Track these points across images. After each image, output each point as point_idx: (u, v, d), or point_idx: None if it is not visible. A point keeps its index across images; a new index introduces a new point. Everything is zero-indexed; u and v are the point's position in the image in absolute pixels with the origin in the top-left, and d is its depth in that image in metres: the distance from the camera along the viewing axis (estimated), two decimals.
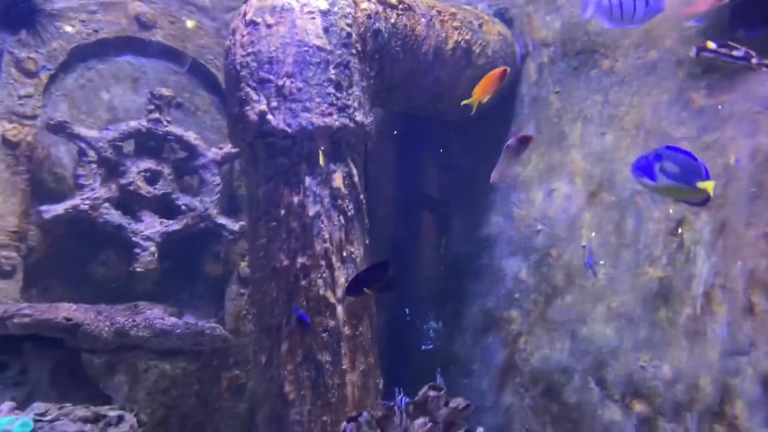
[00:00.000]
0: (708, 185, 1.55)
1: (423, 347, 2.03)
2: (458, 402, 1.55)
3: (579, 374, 1.94)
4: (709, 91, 1.94)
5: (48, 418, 1.27)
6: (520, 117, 2.13)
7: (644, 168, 1.41)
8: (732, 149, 1.91)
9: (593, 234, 2.17)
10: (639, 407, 1.86)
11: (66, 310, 1.56)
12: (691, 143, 2.00)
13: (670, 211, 1.98)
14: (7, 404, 1.34)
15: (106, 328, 1.55)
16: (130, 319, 1.61)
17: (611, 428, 1.88)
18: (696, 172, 1.42)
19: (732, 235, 1.86)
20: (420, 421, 1.48)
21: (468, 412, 1.59)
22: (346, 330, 1.66)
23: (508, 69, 1.95)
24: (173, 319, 1.68)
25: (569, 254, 2.07)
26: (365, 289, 1.63)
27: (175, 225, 1.99)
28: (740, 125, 1.93)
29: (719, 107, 1.97)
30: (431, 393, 1.54)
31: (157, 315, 1.66)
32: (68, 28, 2.07)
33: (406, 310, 2.27)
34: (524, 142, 1.79)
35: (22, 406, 1.38)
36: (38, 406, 1.31)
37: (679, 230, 2.03)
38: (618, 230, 1.99)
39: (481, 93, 1.83)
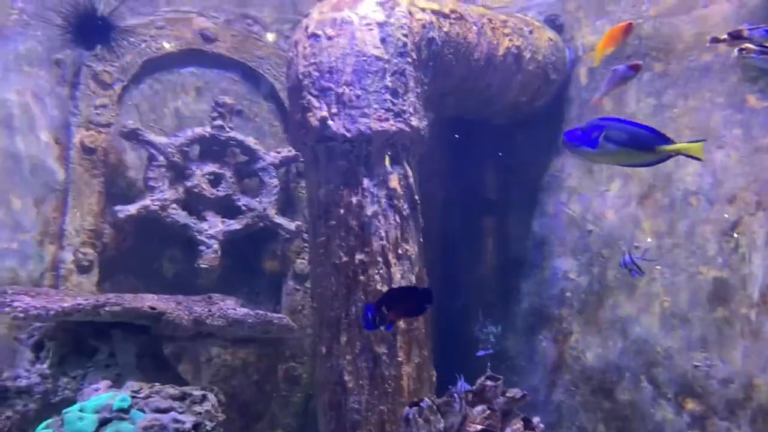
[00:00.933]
0: (694, 147, 1.55)
1: (482, 353, 2.05)
2: (515, 392, 1.58)
3: (631, 373, 1.96)
4: (764, 93, 1.94)
5: (142, 395, 1.37)
6: (572, 120, 2.15)
7: (579, 138, 1.46)
8: None
9: (647, 236, 2.12)
10: (692, 405, 1.88)
11: (150, 300, 1.65)
12: (745, 144, 1.98)
13: (725, 215, 1.95)
14: (104, 382, 1.45)
15: (186, 317, 1.63)
16: (206, 309, 1.69)
17: (663, 426, 1.89)
18: (647, 137, 1.47)
19: None
20: (479, 408, 1.51)
21: (524, 402, 1.60)
22: (402, 324, 1.72)
23: (633, 23, 1.89)
24: (245, 310, 1.74)
25: (623, 252, 2.02)
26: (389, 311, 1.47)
27: (236, 224, 2.05)
28: None
29: None
30: (489, 382, 1.57)
31: (230, 306, 1.75)
32: (141, 44, 2.13)
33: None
34: (635, 68, 1.75)
35: (114, 385, 1.46)
36: (132, 384, 1.41)
37: (735, 233, 1.99)
38: (671, 231, 2.01)
39: (605, 46, 1.84)
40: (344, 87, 1.70)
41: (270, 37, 2.23)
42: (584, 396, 2.01)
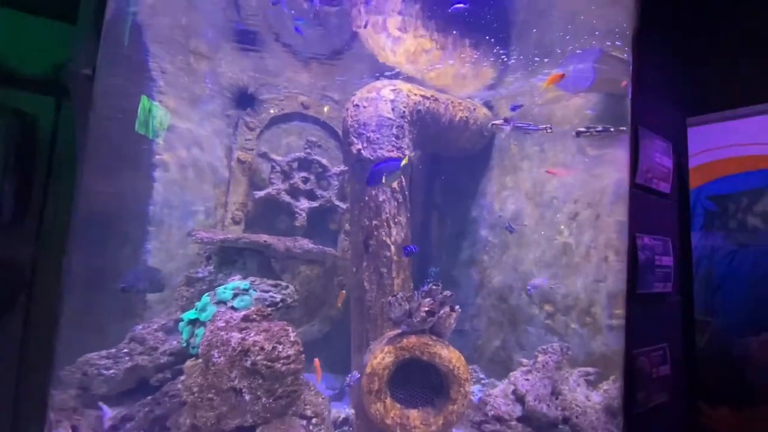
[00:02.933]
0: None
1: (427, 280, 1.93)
2: (447, 292, 1.46)
3: (517, 290, 1.89)
4: (598, 146, 1.82)
5: (256, 283, 1.40)
6: (494, 158, 2.07)
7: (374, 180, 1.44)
8: (607, 178, 1.76)
9: (527, 221, 1.99)
10: (547, 307, 1.81)
11: (263, 237, 1.64)
12: (584, 173, 1.85)
13: (571, 209, 1.86)
14: (238, 277, 1.45)
15: (282, 247, 1.64)
16: (293, 243, 1.70)
17: (532, 318, 1.82)
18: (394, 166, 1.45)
19: (601, 221, 1.75)
20: (427, 299, 1.40)
21: (452, 299, 1.46)
22: (395, 258, 1.63)
23: (564, 73, 1.73)
24: (313, 245, 1.75)
25: (518, 232, 1.98)
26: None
27: (315, 204, 2.02)
28: (612, 166, 1.76)
29: (602, 155, 1.80)
30: (434, 287, 1.45)
31: (306, 243, 1.75)
32: (270, 109, 2.09)
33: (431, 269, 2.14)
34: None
35: (243, 278, 1.44)
36: (251, 279, 1.42)
37: (575, 220, 1.85)
38: (542, 217, 1.93)
39: (550, 82, 1.67)
40: (371, 133, 1.62)
41: (326, 108, 2.13)
42: (492, 301, 1.93)
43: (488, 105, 2.01)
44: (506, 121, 1.73)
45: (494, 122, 1.77)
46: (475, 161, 2.06)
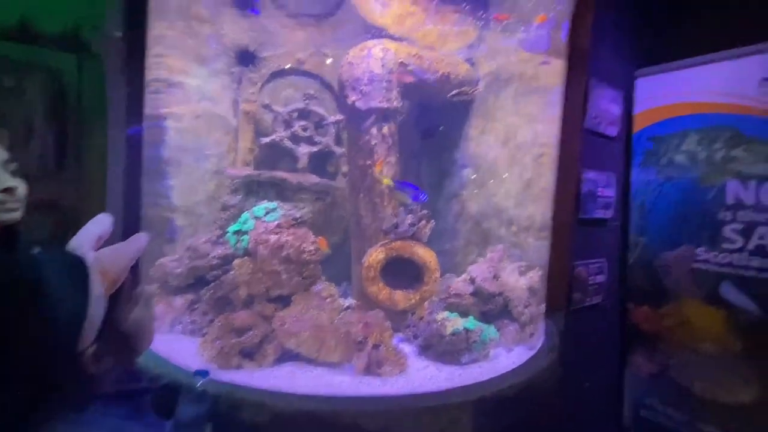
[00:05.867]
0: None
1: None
2: (426, 212, 1.87)
3: (489, 215, 2.21)
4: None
5: (280, 205, 1.74)
6: (473, 108, 2.33)
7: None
8: None
9: (500, 161, 2.23)
10: (513, 228, 2.13)
11: (280, 173, 2.01)
12: (551, 122, 2.09)
13: (537, 149, 2.16)
14: (266, 202, 1.77)
15: (294, 180, 2.00)
16: (303, 178, 2.05)
17: (501, 237, 2.12)
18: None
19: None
20: (410, 215, 1.82)
21: (428, 215, 1.84)
22: (386, 191, 1.97)
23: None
24: (319, 179, 2.09)
25: (493, 168, 2.26)
26: None
27: (314, 148, 2.28)
28: None
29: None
30: (414, 206, 1.83)
31: (314, 177, 2.09)
32: (270, 64, 2.29)
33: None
34: None
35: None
36: (276, 202, 1.77)
37: (540, 158, 2.18)
38: (513, 158, 2.18)
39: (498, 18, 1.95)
40: (363, 86, 1.90)
41: (328, 61, 2.35)
42: (469, 226, 2.27)
43: (470, 61, 2.26)
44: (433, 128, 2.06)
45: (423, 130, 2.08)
46: (457, 109, 2.34)
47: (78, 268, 0.44)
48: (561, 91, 1.99)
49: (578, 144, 2.11)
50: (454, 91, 1.98)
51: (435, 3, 1.88)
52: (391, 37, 2.00)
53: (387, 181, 1.94)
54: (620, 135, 2.37)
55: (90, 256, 0.47)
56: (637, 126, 2.33)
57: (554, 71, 2.01)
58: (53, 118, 2.71)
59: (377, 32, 1.98)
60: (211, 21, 2.03)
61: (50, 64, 2.89)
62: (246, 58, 2.28)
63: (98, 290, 0.44)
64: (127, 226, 2.11)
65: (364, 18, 1.97)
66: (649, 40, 2.43)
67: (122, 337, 0.49)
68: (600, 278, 2.26)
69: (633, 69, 2.35)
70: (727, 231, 1.97)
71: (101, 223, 0.54)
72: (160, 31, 1.80)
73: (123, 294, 0.48)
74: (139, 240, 0.51)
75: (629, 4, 2.33)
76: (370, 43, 1.94)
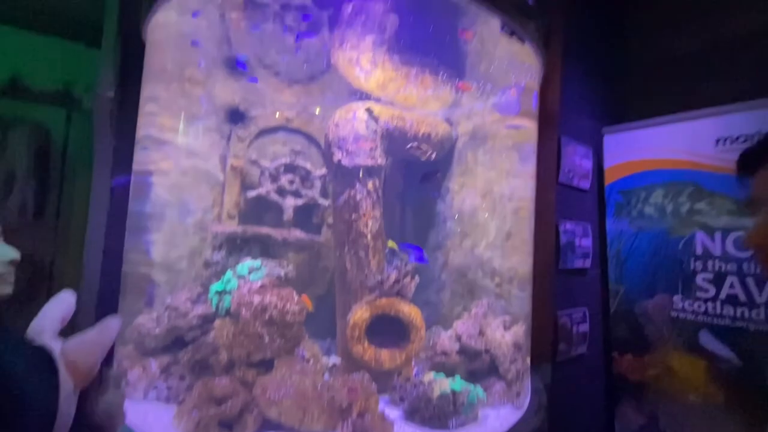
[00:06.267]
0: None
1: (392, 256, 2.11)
2: (409, 266, 1.83)
3: (474, 268, 2.25)
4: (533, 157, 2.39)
5: (264, 264, 1.72)
6: (453, 163, 2.41)
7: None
8: None
9: (486, 213, 2.31)
10: (497, 279, 2.15)
11: (265, 229, 2.03)
12: (527, 177, 2.31)
13: (515, 203, 2.22)
14: (247, 258, 1.79)
15: (280, 236, 2.04)
16: (287, 233, 2.09)
17: (485, 288, 2.17)
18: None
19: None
20: (395, 271, 1.78)
21: (413, 270, 1.83)
22: (371, 243, 1.99)
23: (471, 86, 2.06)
24: (304, 235, 2.12)
25: (474, 220, 2.31)
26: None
27: (300, 201, 2.34)
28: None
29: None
30: (398, 262, 1.83)
31: (299, 233, 2.13)
32: (258, 121, 2.37)
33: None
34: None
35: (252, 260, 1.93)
36: (260, 259, 1.75)
37: (518, 212, 2.30)
38: (494, 210, 2.26)
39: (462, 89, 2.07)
40: (349, 146, 1.98)
41: (315, 119, 2.43)
42: (454, 276, 2.29)
43: (449, 121, 2.40)
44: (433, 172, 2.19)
45: (423, 174, 2.19)
46: (438, 164, 2.44)
47: (44, 363, 0.39)
48: (534, 149, 2.12)
49: (554, 197, 2.24)
50: (410, 145, 2.06)
51: (415, 70, 2.02)
52: (375, 100, 2.10)
53: (392, 244, 1.97)
54: (592, 188, 2.51)
55: (56, 348, 0.43)
56: (608, 179, 2.48)
57: (527, 131, 2.15)
58: (36, 171, 2.71)
59: (362, 95, 2.09)
60: (204, 82, 2.13)
61: (38, 119, 2.93)
62: (236, 116, 2.36)
63: (68, 387, 0.40)
64: (106, 281, 2.07)
65: (349, 82, 2.09)
66: (614, 100, 2.66)
67: (92, 429, 0.45)
68: (583, 327, 2.31)
69: (600, 126, 2.55)
70: (699, 280, 2.07)
71: (63, 303, 0.50)
72: (153, 92, 1.88)
73: (94, 388, 0.45)
74: (110, 328, 0.47)
75: (595, 70, 2.56)
76: (355, 105, 2.04)
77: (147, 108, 2.00)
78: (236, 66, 2.17)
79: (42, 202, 2.63)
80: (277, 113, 2.46)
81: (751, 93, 1.97)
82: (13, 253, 0.87)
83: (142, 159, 2.06)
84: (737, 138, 1.98)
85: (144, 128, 1.98)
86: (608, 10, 2.69)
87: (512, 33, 1.49)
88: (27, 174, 2.50)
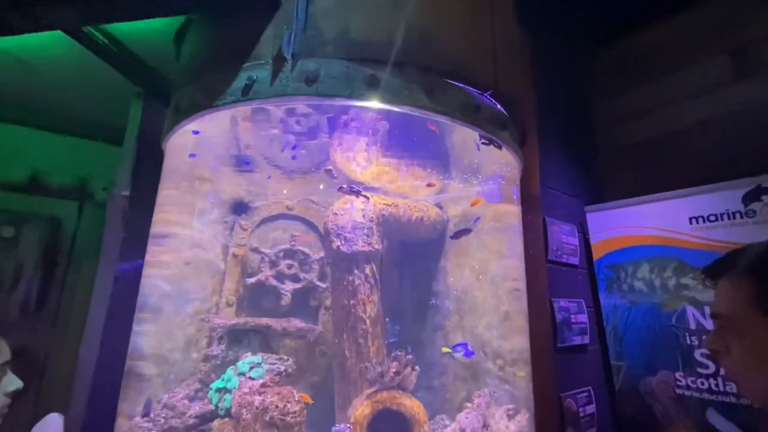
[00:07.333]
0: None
1: (390, 340, 2.16)
2: (410, 356, 1.89)
3: (475, 349, 2.22)
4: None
5: (265, 359, 1.78)
6: (446, 243, 2.48)
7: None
8: None
9: (482, 293, 2.37)
10: (499, 362, 2.16)
11: (265, 320, 2.07)
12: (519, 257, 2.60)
13: (510, 283, 2.31)
14: (247, 353, 1.85)
15: (279, 327, 2.07)
16: (287, 323, 2.12)
17: (488, 371, 2.16)
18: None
19: (530, 292, 2.32)
20: (395, 363, 1.85)
21: (413, 361, 1.88)
22: (370, 329, 2.01)
23: (482, 200, 2.19)
24: (304, 324, 2.15)
25: (471, 300, 2.33)
26: None
27: (298, 285, 2.38)
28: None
29: (526, 242, 2.53)
30: (398, 353, 1.88)
31: (298, 322, 2.16)
32: (261, 210, 2.50)
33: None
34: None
35: (253, 354, 1.85)
36: (261, 354, 1.83)
37: (513, 291, 2.53)
38: (489, 291, 2.30)
39: (474, 204, 2.23)
40: (347, 234, 2.08)
41: (321, 186, 2.50)
42: (455, 360, 2.25)
43: (439, 205, 2.56)
44: (465, 230, 2.30)
45: (455, 232, 2.28)
46: (433, 246, 2.53)
47: None
48: (520, 230, 2.25)
49: (545, 275, 2.32)
50: (456, 230, 2.21)
51: (405, 163, 2.23)
52: (370, 189, 2.27)
53: (446, 350, 2.05)
54: (582, 263, 2.62)
55: None
56: (596, 254, 2.59)
57: (512, 214, 2.30)
58: (44, 263, 2.81)
59: (358, 185, 2.27)
60: (212, 179, 2.31)
61: (51, 213, 3.10)
62: (239, 208, 2.52)
63: None
64: (103, 373, 2.06)
65: (346, 174, 2.28)
66: (592, 181, 2.87)
67: None
68: (590, 408, 2.27)
69: (583, 204, 2.72)
70: (698, 355, 2.09)
71: (52, 427, 0.47)
72: (164, 191, 2.05)
73: None
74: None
75: (571, 156, 2.80)
76: (352, 196, 2.20)
77: (160, 205, 2.15)
78: (243, 164, 2.38)
79: (45, 293, 2.69)
80: (278, 202, 2.63)
81: (714, 176, 2.17)
82: (17, 383, 0.93)
83: (148, 252, 2.16)
84: (707, 217, 2.14)
85: (156, 225, 2.10)
86: (576, 105, 3.02)
87: (489, 141, 1.69)
88: (35, 267, 2.59)
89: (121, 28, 1.69)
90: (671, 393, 2.20)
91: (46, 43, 1.66)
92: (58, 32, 1.50)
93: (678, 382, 2.17)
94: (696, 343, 2.15)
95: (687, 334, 2.18)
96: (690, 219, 2.21)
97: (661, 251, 2.34)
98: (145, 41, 1.83)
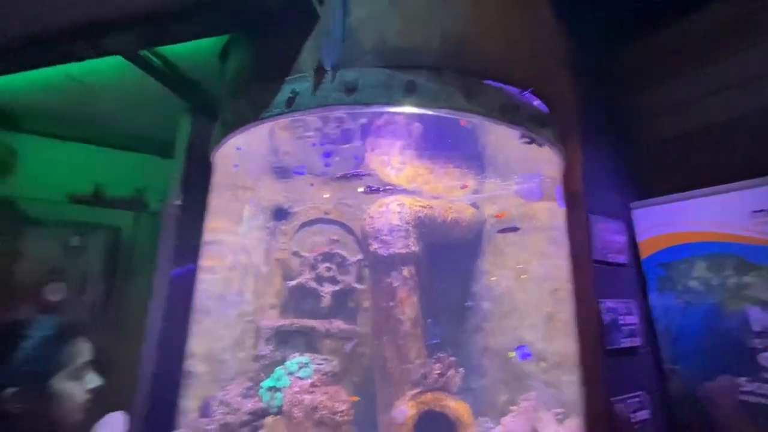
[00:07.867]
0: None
1: (431, 341, 2.13)
2: (453, 357, 1.94)
3: (508, 346, 2.17)
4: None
5: (312, 359, 1.84)
6: (483, 244, 2.46)
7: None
8: None
9: (523, 293, 2.29)
10: (543, 364, 2.11)
11: (310, 322, 2.12)
12: (561, 257, 2.30)
13: (552, 283, 2.20)
14: (295, 354, 1.93)
15: (323, 328, 2.11)
16: (330, 324, 2.18)
17: (531, 374, 2.10)
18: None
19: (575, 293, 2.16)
20: (438, 364, 1.88)
21: (456, 362, 1.91)
22: (410, 330, 2.04)
23: (504, 213, 2.20)
24: (346, 325, 2.20)
25: (511, 301, 2.29)
26: None
27: (337, 287, 2.43)
28: None
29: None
30: (441, 354, 1.92)
31: (341, 324, 2.21)
32: (299, 216, 2.59)
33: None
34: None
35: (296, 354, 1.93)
36: (308, 354, 1.89)
37: (555, 292, 2.19)
38: (531, 292, 2.27)
39: (498, 217, 2.25)
40: (384, 236, 2.13)
41: (360, 189, 2.44)
42: (496, 362, 2.24)
43: (475, 205, 2.53)
44: (511, 228, 2.27)
45: (503, 228, 2.26)
46: (470, 247, 2.52)
47: None
48: (563, 229, 2.17)
49: (590, 275, 2.24)
50: (502, 228, 2.20)
51: (439, 164, 2.24)
52: (405, 192, 2.29)
53: (511, 354, 2.04)
54: (630, 262, 2.51)
55: None
56: (644, 253, 2.48)
57: (553, 213, 2.24)
58: (106, 270, 3.06)
59: (393, 189, 2.29)
60: (253, 187, 2.42)
61: (111, 223, 3.37)
62: (280, 214, 2.62)
63: None
64: (162, 372, 2.20)
65: (381, 178, 2.32)
66: (637, 176, 2.75)
67: None
68: (643, 414, 2.18)
69: (627, 201, 2.61)
70: (763, 360, 1.96)
71: (115, 425, 0.49)
72: (213, 201, 2.18)
73: None
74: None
75: (615, 151, 2.70)
76: (388, 199, 2.25)
77: (209, 214, 2.28)
78: (292, 172, 2.48)
79: (108, 297, 2.92)
80: (316, 207, 2.71)
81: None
82: (97, 380, 1.02)
83: (200, 257, 2.30)
84: None
85: (206, 232, 2.23)
86: (616, 99, 2.90)
87: (531, 141, 1.67)
88: (99, 273, 2.83)
89: (171, 50, 1.80)
90: (733, 399, 2.06)
91: (106, 66, 1.82)
92: (117, 56, 1.64)
93: (742, 388, 2.04)
94: (761, 346, 2.00)
95: (751, 336, 2.04)
96: (752, 212, 2.07)
97: (719, 248, 2.21)
98: (192, 60, 1.97)
